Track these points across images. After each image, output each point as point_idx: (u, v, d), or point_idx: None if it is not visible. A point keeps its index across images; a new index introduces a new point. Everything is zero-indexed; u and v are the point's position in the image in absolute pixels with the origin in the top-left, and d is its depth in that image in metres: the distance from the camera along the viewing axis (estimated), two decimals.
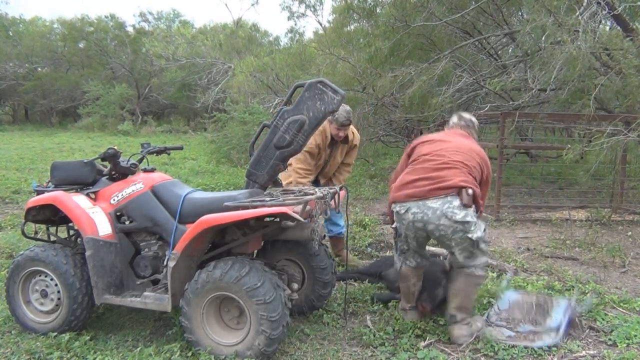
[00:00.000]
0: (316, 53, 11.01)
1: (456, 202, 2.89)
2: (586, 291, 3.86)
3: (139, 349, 2.84)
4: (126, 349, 2.91)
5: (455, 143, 3.17)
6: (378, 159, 11.72)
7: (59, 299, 3.01)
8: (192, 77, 19.77)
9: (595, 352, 2.93)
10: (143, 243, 3.09)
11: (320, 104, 2.80)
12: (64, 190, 3.09)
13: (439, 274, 3.35)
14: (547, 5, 6.06)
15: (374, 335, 3.07)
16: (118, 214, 3.09)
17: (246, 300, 2.60)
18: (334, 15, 11.19)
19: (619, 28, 6.45)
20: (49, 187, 3.18)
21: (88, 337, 2.94)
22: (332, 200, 3.09)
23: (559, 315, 3.24)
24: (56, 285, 3.01)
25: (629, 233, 5.70)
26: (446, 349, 2.97)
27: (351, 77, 8.90)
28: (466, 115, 3.51)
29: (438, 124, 8.47)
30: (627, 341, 3.04)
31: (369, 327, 3.22)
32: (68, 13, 61.33)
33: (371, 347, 2.98)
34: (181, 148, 3.77)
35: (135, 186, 3.09)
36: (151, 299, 2.88)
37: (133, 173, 3.22)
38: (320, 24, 17.73)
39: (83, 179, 3.15)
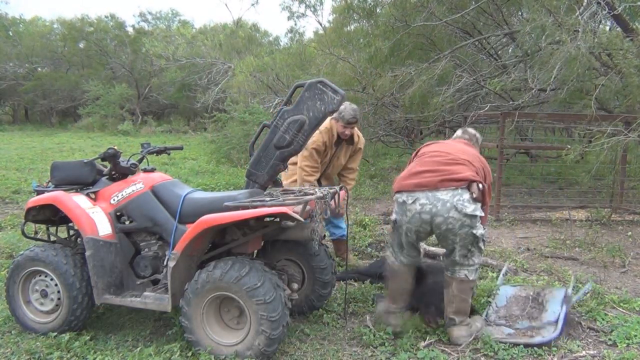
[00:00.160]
0: (316, 53, 11.01)
1: (466, 195, 2.90)
2: (584, 282, 3.88)
3: (139, 349, 2.84)
4: (126, 349, 2.91)
5: (460, 148, 3.23)
6: (378, 159, 11.70)
7: (59, 299, 3.02)
8: (192, 77, 19.76)
9: (595, 352, 2.94)
10: (143, 243, 3.09)
11: (320, 104, 2.81)
12: (64, 190, 3.09)
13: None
14: (547, 5, 6.06)
15: (374, 335, 3.07)
16: (118, 214, 3.10)
17: (246, 300, 2.60)
18: (334, 15, 11.21)
19: (619, 28, 6.45)
20: (49, 187, 3.18)
21: (88, 337, 2.94)
22: (332, 201, 3.09)
23: (556, 307, 3.25)
24: (56, 285, 3.01)
25: (629, 233, 5.70)
26: (446, 349, 2.97)
27: (351, 77, 8.90)
28: (471, 130, 3.58)
29: (438, 124, 8.48)
30: (627, 341, 3.04)
31: (369, 327, 3.22)
32: (68, 13, 61.37)
33: (371, 347, 2.98)
34: (181, 148, 3.77)
35: (135, 186, 3.09)
36: (151, 299, 2.88)
37: (133, 173, 3.22)
38: (320, 24, 17.78)
39: (83, 179, 3.15)
